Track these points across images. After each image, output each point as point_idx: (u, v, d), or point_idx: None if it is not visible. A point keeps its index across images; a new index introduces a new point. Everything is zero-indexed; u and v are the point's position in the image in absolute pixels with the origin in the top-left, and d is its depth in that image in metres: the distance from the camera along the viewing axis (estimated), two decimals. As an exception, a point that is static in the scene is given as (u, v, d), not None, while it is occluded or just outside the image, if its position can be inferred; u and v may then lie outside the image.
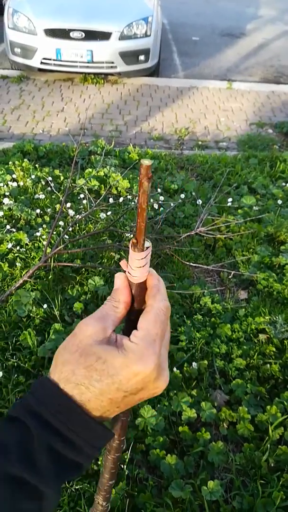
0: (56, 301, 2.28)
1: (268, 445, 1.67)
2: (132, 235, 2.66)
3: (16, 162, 3.54)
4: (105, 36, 5.14)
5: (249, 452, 1.67)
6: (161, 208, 3.05)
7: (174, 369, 1.95)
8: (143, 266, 0.55)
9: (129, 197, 3.24)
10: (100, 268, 2.50)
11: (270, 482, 1.60)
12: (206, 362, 1.98)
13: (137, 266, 0.54)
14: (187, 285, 2.41)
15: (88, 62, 5.20)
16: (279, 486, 1.57)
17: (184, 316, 2.24)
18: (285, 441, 1.72)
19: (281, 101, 5.39)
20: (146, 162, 0.48)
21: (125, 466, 1.56)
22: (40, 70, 5.39)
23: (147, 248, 0.54)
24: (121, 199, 3.17)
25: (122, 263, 0.56)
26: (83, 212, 3.07)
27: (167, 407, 1.78)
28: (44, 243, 2.70)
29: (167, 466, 1.58)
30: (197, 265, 2.53)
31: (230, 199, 3.20)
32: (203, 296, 2.36)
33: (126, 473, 1.56)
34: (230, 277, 2.57)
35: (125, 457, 1.59)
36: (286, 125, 4.67)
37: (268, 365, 2.00)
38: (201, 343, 2.08)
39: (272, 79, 6.26)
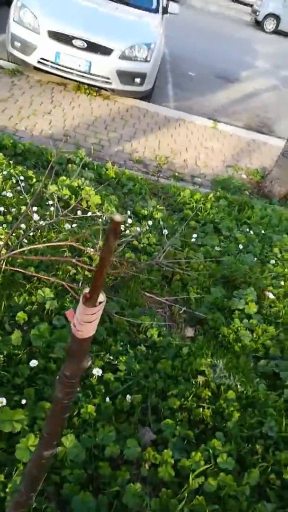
0: (-1, 307, 2.18)
1: (186, 494, 1.63)
2: (93, 255, 2.61)
3: (-11, 155, 3.43)
4: (106, 51, 5.18)
5: (166, 498, 1.63)
6: (127, 231, 3.03)
7: (107, 399, 1.89)
8: (91, 322, 0.51)
9: (98, 213, 3.20)
10: (53, 280, 2.43)
11: (181, 533, 1.56)
12: (140, 396, 1.94)
13: (85, 321, 0.50)
14: (137, 314, 2.38)
15: (85, 72, 5.21)
16: (189, 539, 1.53)
17: (128, 345, 2.20)
18: (203, 491, 1.69)
19: (260, 150, 5.61)
20: (118, 217, 0.45)
21: (34, 498, 1.47)
22: (35, 68, 5.34)
23: (100, 303, 0.50)
24: (89, 213, 3.12)
25: (69, 314, 0.52)
26: (48, 219, 2.99)
27: (91, 438, 1.71)
28: (0, 243, 2.59)
29: (79, 503, 1.51)
30: (151, 295, 2.51)
31: (195, 235, 3.24)
32: (151, 327, 2.34)
33: (34, 505, 1.47)
34: (181, 312, 2.57)
35: (36, 487, 1.49)
36: (260, 174, 4.85)
37: (201, 409, 1.99)
38: (139, 375, 2.04)
39: (255, 127, 6.53)
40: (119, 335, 2.22)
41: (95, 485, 1.64)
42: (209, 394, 2.06)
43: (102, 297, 0.50)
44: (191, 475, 1.69)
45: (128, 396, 1.93)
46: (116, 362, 2.07)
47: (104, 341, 2.15)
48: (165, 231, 3.11)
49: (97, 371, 1.94)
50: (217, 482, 1.69)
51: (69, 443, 1.65)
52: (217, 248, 3.18)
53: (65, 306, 2.28)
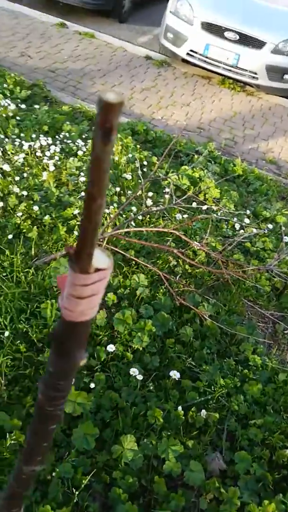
0: (93, 283, 2.12)
1: None
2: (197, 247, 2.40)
3: (119, 136, 3.46)
4: (258, 44, 4.88)
5: None
6: (241, 231, 2.74)
7: (179, 408, 1.68)
8: (84, 298, 0.31)
9: (214, 208, 2.98)
10: (151, 268, 2.29)
11: None
12: (217, 415, 1.68)
13: (75, 295, 0.30)
14: (234, 322, 2.10)
15: (231, 66, 4.99)
16: None
17: (216, 355, 1.94)
18: None
19: None
20: (110, 96, 0.24)
21: (78, 492, 1.34)
22: (183, 60, 5.31)
23: (98, 271, 0.30)
24: (204, 207, 2.92)
25: (60, 280, 0.32)
26: (161, 206, 2.88)
27: (152, 446, 1.53)
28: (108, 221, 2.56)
29: (122, 514, 1.34)
30: (254, 305, 2.20)
31: None
32: (247, 341, 2.04)
33: (76, 500, 1.34)
34: (286, 332, 2.21)
35: (83, 481, 1.37)
36: None
37: (287, 451, 1.64)
38: (221, 392, 1.77)
39: None
40: (207, 341, 1.98)
41: (146, 499, 1.45)
42: (302, 436, 1.70)
43: (104, 261, 0.29)
44: (259, 528, 1.39)
45: (203, 411, 1.68)
46: (198, 370, 1.84)
47: (189, 343, 1.93)
48: (286, 238, 2.73)
49: (174, 374, 1.74)
50: None
51: (127, 444, 1.49)
52: None
53: (156, 296, 2.13)
